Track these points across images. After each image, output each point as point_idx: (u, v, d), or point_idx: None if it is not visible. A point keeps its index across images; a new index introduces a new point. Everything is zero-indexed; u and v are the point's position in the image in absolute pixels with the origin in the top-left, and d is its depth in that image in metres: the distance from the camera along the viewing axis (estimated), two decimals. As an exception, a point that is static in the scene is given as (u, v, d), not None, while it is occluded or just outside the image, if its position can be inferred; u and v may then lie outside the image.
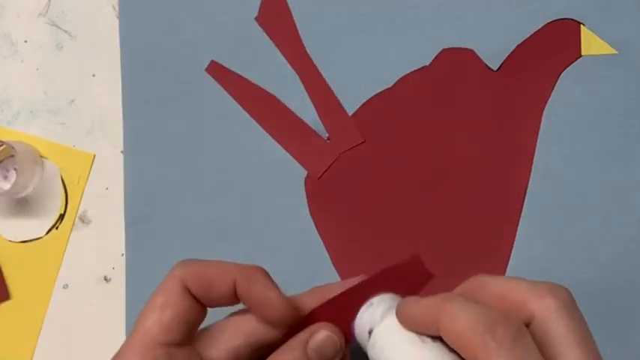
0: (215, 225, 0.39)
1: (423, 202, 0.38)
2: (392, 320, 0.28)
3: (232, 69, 0.40)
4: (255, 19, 0.40)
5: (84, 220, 0.40)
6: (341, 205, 0.39)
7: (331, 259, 0.39)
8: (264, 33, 0.40)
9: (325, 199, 0.39)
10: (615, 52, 0.37)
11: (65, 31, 0.42)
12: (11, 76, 0.42)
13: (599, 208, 0.37)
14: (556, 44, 0.38)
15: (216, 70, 0.40)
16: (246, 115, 0.40)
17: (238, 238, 0.39)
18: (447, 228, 0.38)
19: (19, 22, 0.42)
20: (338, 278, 0.39)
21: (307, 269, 0.39)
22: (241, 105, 0.40)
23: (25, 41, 0.42)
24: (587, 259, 0.37)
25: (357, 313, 0.29)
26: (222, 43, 0.40)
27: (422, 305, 0.25)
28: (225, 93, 0.40)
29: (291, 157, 0.39)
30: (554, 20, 0.38)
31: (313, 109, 0.39)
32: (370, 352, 0.28)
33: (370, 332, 0.28)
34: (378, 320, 0.28)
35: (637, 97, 0.37)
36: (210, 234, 0.39)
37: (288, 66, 0.40)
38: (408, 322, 0.26)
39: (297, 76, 0.39)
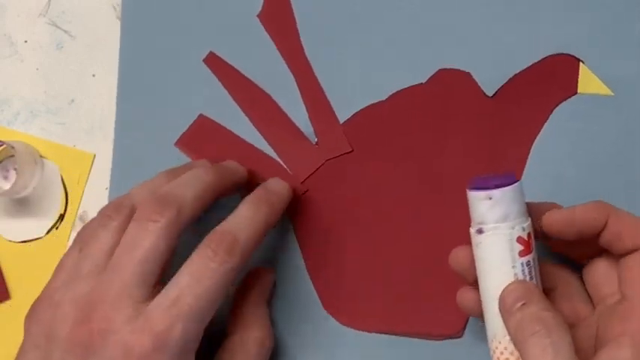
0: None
1: (407, 218, 0.37)
2: (503, 231, 0.30)
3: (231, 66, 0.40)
4: (258, 16, 0.40)
5: (84, 220, 0.40)
6: (321, 211, 0.38)
7: (306, 264, 0.38)
8: (264, 31, 0.40)
9: (306, 203, 0.39)
10: (612, 93, 0.37)
11: (65, 31, 0.42)
12: (11, 76, 0.42)
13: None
14: (553, 79, 0.37)
15: (214, 62, 0.40)
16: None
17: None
18: (429, 246, 0.37)
19: (19, 22, 0.42)
20: (310, 283, 0.38)
21: (282, 268, 0.38)
22: (234, 98, 0.40)
23: (25, 41, 0.42)
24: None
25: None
26: (223, 42, 0.40)
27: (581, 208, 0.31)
28: (226, 94, 0.40)
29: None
30: (555, 55, 0.37)
31: (305, 112, 0.39)
32: (473, 246, 0.31)
33: (480, 231, 0.30)
34: (491, 222, 0.30)
35: (627, 141, 0.37)
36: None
37: (286, 66, 0.40)
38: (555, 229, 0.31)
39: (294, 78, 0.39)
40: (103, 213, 0.33)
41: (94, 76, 0.41)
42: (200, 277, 0.31)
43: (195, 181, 0.33)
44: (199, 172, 0.34)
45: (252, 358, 0.34)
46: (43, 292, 0.33)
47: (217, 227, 0.33)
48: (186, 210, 0.32)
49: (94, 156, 0.41)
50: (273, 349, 0.36)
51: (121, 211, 0.33)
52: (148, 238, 0.31)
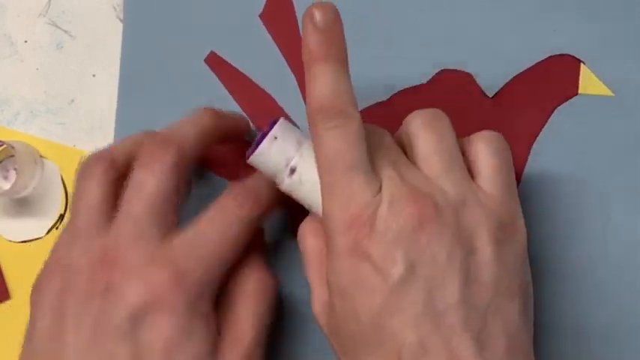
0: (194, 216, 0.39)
1: None
2: (310, 153, 0.30)
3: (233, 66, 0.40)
4: (260, 16, 0.40)
5: (84, 220, 0.40)
6: None
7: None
8: (266, 31, 0.40)
9: None
10: (612, 94, 0.37)
11: (65, 31, 0.42)
12: (11, 76, 0.42)
13: (580, 247, 0.37)
14: (554, 79, 0.37)
15: (215, 62, 0.40)
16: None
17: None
18: None
19: (19, 22, 0.42)
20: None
21: (281, 268, 0.38)
22: (235, 98, 0.40)
23: (25, 41, 0.42)
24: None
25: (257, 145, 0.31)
26: (225, 42, 0.40)
27: None
28: (227, 94, 0.40)
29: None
30: (556, 55, 0.37)
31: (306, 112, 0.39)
32: (294, 188, 0.31)
33: (293, 169, 0.30)
34: (296, 155, 0.30)
35: (628, 142, 0.37)
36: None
37: (287, 67, 0.40)
38: None
39: (295, 78, 0.39)
40: (83, 164, 0.32)
41: (94, 76, 0.41)
42: (227, 221, 0.30)
43: (195, 121, 0.33)
44: (198, 112, 0.34)
45: (252, 294, 0.32)
46: (46, 263, 0.32)
47: (239, 183, 0.32)
48: (189, 147, 0.32)
49: (94, 156, 0.41)
50: (269, 351, 0.36)
51: (101, 161, 0.32)
52: (155, 179, 0.30)
